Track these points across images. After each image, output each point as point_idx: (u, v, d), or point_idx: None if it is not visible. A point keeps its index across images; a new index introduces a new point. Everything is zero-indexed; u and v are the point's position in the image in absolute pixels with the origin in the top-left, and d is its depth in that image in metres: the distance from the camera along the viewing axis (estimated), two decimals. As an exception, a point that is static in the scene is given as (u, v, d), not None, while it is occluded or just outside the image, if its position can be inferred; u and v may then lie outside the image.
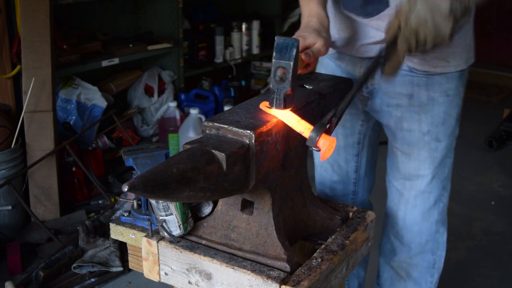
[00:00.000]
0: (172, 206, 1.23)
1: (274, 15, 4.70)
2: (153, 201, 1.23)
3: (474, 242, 2.92)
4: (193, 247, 1.26)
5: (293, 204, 1.33)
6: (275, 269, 1.18)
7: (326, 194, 1.83)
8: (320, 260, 1.23)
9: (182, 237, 1.29)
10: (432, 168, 1.62)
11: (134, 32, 3.92)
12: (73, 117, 3.24)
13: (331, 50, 1.64)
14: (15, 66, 2.83)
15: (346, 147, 1.78)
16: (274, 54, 1.17)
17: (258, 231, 1.23)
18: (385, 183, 1.77)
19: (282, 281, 1.15)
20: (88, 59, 3.30)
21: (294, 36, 1.40)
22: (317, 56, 1.39)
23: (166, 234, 1.26)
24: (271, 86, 1.19)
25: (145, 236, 1.31)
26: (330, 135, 1.18)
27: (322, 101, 1.36)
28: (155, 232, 1.30)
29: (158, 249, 1.28)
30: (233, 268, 1.19)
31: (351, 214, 1.46)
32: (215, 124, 1.15)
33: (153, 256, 1.30)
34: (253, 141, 1.11)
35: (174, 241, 1.27)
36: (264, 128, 1.14)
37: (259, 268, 1.18)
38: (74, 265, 2.44)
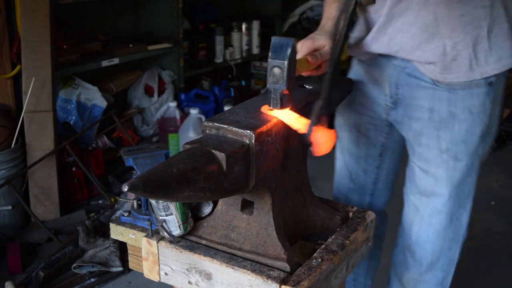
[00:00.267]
0: (172, 206, 1.23)
1: (274, 15, 4.70)
2: (153, 201, 1.23)
3: (474, 242, 2.92)
4: (193, 247, 1.26)
5: (293, 204, 1.33)
6: (275, 269, 1.18)
7: (340, 201, 1.78)
8: (320, 260, 1.23)
9: (182, 237, 1.28)
10: (449, 188, 1.54)
11: (134, 32, 3.92)
12: (73, 117, 3.24)
13: (364, 56, 1.59)
14: (15, 66, 2.83)
15: (367, 157, 1.72)
16: (270, 54, 1.17)
17: (258, 231, 1.23)
18: (402, 191, 1.71)
19: (282, 281, 1.15)
20: (88, 59, 3.30)
21: (307, 38, 1.39)
22: (325, 58, 1.37)
23: (166, 234, 1.26)
24: (267, 86, 1.18)
25: (145, 236, 1.31)
26: (328, 128, 1.16)
27: (322, 101, 1.36)
28: (155, 232, 1.30)
29: (158, 249, 1.28)
30: (233, 268, 1.19)
31: (351, 214, 1.46)
32: (215, 124, 1.15)
33: (153, 256, 1.30)
34: (253, 141, 1.11)
35: (174, 241, 1.27)
36: (264, 128, 1.14)
37: (259, 268, 1.18)
38: (74, 265, 2.44)
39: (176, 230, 1.26)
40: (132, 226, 1.40)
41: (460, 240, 1.67)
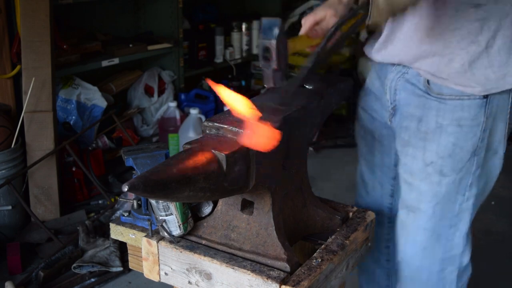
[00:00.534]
0: (172, 206, 1.23)
1: (274, 15, 4.68)
2: (153, 201, 1.23)
3: (474, 242, 2.92)
4: (193, 247, 1.26)
5: (293, 204, 1.33)
6: (275, 269, 1.18)
7: None
8: (320, 260, 1.23)
9: (182, 237, 1.28)
10: (433, 203, 1.44)
11: (134, 32, 3.91)
12: (73, 117, 3.24)
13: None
14: (15, 66, 2.83)
15: (383, 167, 1.65)
16: (260, 35, 1.21)
17: (258, 231, 1.23)
18: None
19: (282, 281, 1.15)
20: (88, 59, 3.30)
21: (309, 13, 1.40)
22: (326, 27, 1.36)
23: (166, 234, 1.26)
24: (260, 65, 1.23)
25: (145, 236, 1.31)
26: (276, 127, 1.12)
27: (322, 101, 1.36)
28: (155, 232, 1.30)
29: (158, 249, 1.28)
30: (233, 268, 1.19)
31: (351, 214, 1.46)
32: (215, 124, 1.15)
33: (153, 256, 1.30)
34: (253, 141, 1.11)
35: (174, 241, 1.27)
36: (264, 128, 1.14)
37: (259, 268, 1.18)
38: (74, 265, 2.44)
39: (176, 230, 1.26)
40: (132, 226, 1.40)
41: (458, 259, 1.56)
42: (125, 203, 2.65)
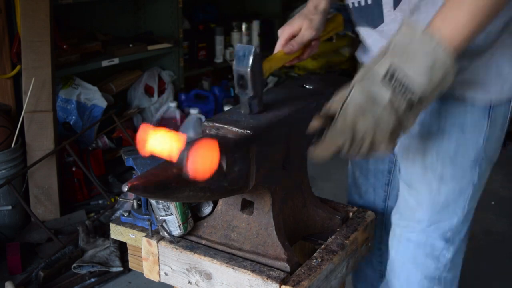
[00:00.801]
0: (172, 206, 1.23)
1: (274, 15, 4.70)
2: (153, 201, 1.23)
3: (474, 242, 2.91)
4: (193, 247, 1.26)
5: (293, 204, 1.33)
6: (275, 269, 1.18)
7: None
8: (320, 260, 1.23)
9: (182, 237, 1.29)
10: (429, 214, 1.35)
11: (134, 32, 3.91)
12: (73, 117, 3.24)
13: None
14: (15, 66, 2.83)
15: (376, 173, 1.61)
16: (234, 61, 1.18)
17: (258, 231, 1.23)
18: None
19: (282, 281, 1.15)
20: (88, 59, 3.30)
21: (285, 24, 1.36)
22: (301, 41, 1.32)
23: (166, 234, 1.26)
24: (236, 92, 1.20)
25: (145, 236, 1.31)
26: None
27: (322, 101, 1.36)
28: (155, 232, 1.30)
29: (158, 249, 1.28)
30: (233, 268, 1.19)
31: (351, 214, 1.46)
32: (215, 124, 1.15)
33: (153, 256, 1.30)
34: (253, 141, 1.11)
35: (174, 241, 1.27)
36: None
37: (259, 268, 1.18)
38: (74, 265, 2.44)
39: (176, 230, 1.26)
40: (132, 226, 1.40)
41: (449, 281, 1.44)
42: (125, 203, 2.65)
